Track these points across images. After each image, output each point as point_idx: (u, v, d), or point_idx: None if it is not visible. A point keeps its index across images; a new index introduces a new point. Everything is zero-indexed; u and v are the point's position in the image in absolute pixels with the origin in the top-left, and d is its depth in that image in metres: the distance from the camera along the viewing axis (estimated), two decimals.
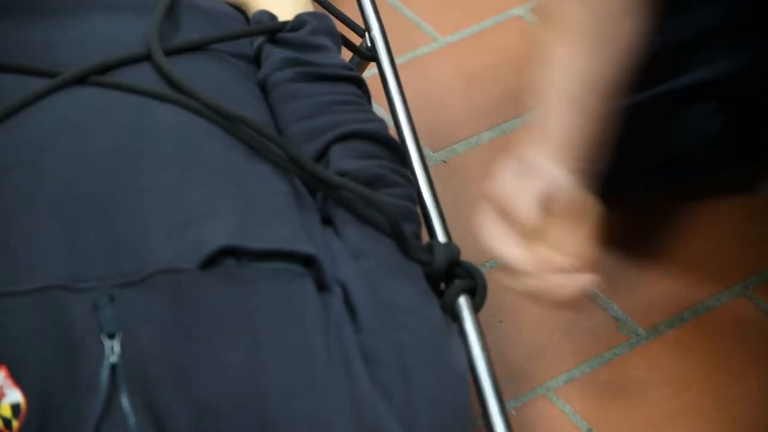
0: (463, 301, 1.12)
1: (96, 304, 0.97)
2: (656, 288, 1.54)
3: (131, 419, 0.93)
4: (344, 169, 1.18)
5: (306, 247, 1.05)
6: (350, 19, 1.49)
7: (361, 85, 1.30)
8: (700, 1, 1.48)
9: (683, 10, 1.47)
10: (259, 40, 1.32)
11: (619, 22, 1.26)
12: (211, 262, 1.01)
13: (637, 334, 1.49)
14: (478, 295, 1.13)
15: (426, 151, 1.37)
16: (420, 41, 1.81)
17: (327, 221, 1.15)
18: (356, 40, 1.47)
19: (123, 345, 0.96)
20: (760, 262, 1.57)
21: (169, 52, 1.22)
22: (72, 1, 1.30)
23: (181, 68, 1.19)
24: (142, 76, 1.19)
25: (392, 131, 1.34)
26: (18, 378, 0.94)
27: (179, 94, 1.16)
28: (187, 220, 1.05)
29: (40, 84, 1.15)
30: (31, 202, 1.06)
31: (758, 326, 1.51)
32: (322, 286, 1.05)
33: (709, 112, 1.54)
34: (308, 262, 1.04)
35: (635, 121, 1.50)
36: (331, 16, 1.41)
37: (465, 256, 1.17)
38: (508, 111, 1.75)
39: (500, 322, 1.50)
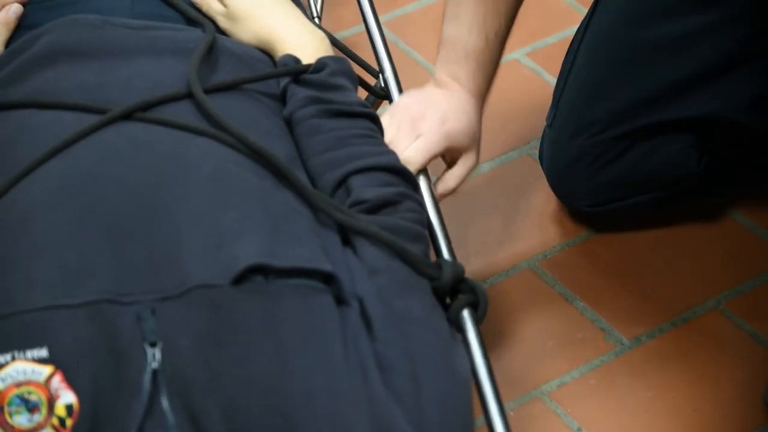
0: (466, 314, 1.12)
1: (139, 316, 0.97)
2: (639, 302, 1.55)
3: (170, 419, 0.94)
4: (364, 197, 1.17)
5: (326, 266, 1.04)
6: (366, 62, 1.50)
7: (375, 120, 1.29)
8: (679, 52, 1.51)
9: (666, 58, 1.52)
10: (285, 81, 1.30)
11: None
12: (241, 278, 1.00)
13: (622, 344, 1.49)
14: (480, 308, 1.13)
15: (433, 179, 1.37)
16: (428, 82, 1.82)
17: (346, 241, 1.13)
18: (371, 80, 1.47)
19: (163, 353, 0.96)
20: (732, 279, 1.58)
21: (207, 91, 1.21)
22: (119, 45, 1.29)
23: (217, 105, 1.19)
24: (181, 112, 1.18)
25: None
26: (71, 382, 0.94)
27: (214, 129, 1.15)
28: (221, 240, 1.04)
29: (92, 120, 1.14)
30: (82, 224, 1.05)
31: (730, 337, 1.51)
32: (340, 300, 1.04)
33: (686, 148, 1.56)
34: (328, 279, 1.04)
35: (620, 149, 1.56)
36: (349, 59, 1.40)
37: (468, 274, 1.16)
38: (506, 144, 1.75)
39: (500, 332, 1.49)
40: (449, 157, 1.38)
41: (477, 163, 1.41)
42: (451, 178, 1.39)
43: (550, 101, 1.62)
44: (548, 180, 1.64)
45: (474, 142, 1.40)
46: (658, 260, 1.61)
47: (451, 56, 1.38)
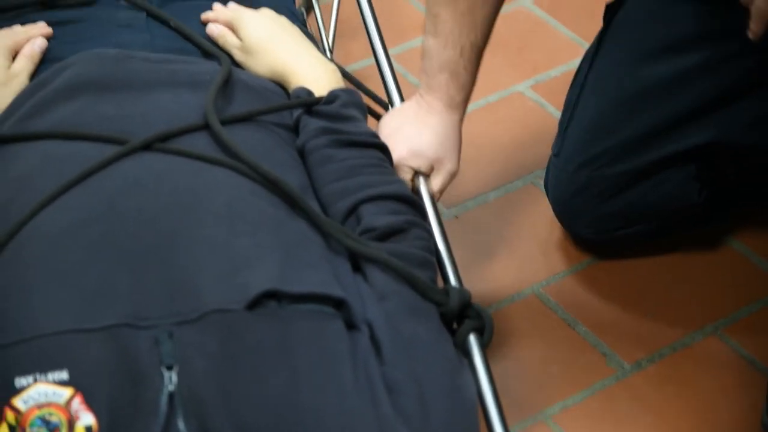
0: (473, 339, 1.12)
1: (157, 339, 0.98)
2: (639, 328, 1.55)
3: None
4: (374, 225, 1.18)
5: (337, 291, 1.05)
6: (375, 94, 1.51)
7: (384, 150, 1.30)
8: (682, 87, 1.52)
9: (670, 94, 1.54)
10: (298, 112, 1.31)
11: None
12: (256, 303, 1.01)
13: (623, 368, 1.49)
14: (486, 334, 1.13)
15: (440, 207, 1.38)
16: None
17: (357, 267, 1.14)
18: (381, 111, 1.47)
19: (180, 375, 0.96)
20: (729, 305, 1.58)
21: (223, 123, 1.21)
22: (139, 79, 1.30)
23: (233, 136, 1.19)
24: (198, 143, 1.19)
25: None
26: (91, 403, 0.94)
27: (230, 159, 1.16)
28: (236, 266, 1.04)
29: (112, 150, 1.15)
30: (101, 251, 1.05)
31: (727, 361, 1.52)
32: (351, 325, 1.04)
33: (688, 179, 1.57)
34: (339, 304, 1.04)
35: (625, 182, 1.57)
36: (359, 91, 1.41)
37: (474, 299, 1.16)
38: (511, 173, 1.75)
39: (504, 356, 1.50)
40: (425, 169, 1.40)
41: (456, 168, 1.43)
42: (432, 186, 1.40)
43: (554, 132, 1.63)
44: (553, 208, 1.65)
45: (446, 150, 1.41)
46: (659, 286, 1.61)
47: (428, 68, 1.39)
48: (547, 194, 1.66)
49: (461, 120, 1.42)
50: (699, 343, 1.53)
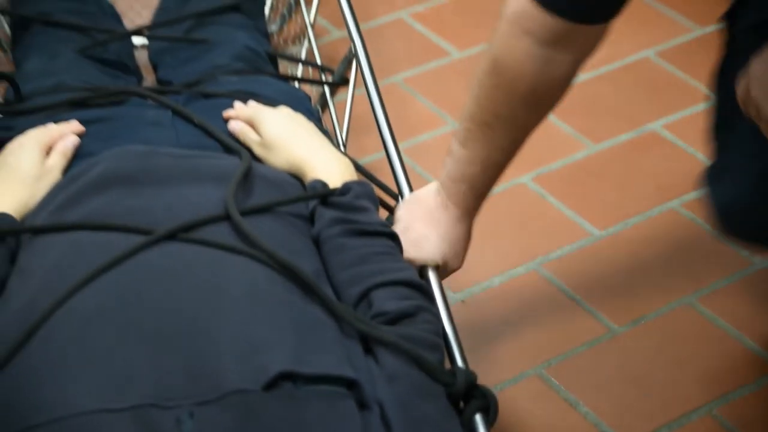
0: (478, 419, 1.12)
1: (179, 419, 0.98)
2: (638, 406, 1.56)
3: None
4: (384, 309, 1.18)
5: (349, 373, 1.05)
6: (386, 186, 1.51)
7: (395, 238, 1.31)
8: None
9: None
10: (313, 203, 1.32)
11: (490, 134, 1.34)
12: (272, 384, 1.01)
13: None
14: (491, 413, 1.13)
15: (447, 291, 1.39)
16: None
17: (368, 349, 1.13)
18: (391, 201, 1.48)
19: None
20: (723, 386, 1.59)
21: (243, 213, 1.22)
22: (165, 173, 1.31)
23: (252, 226, 1.20)
24: (219, 232, 1.19)
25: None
26: None
27: (249, 248, 1.17)
28: (254, 350, 1.05)
29: (137, 240, 1.16)
30: (128, 336, 1.06)
31: None
32: (362, 405, 1.04)
33: None
34: (351, 384, 1.04)
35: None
36: (371, 183, 1.42)
37: (479, 380, 1.16)
38: (514, 260, 1.77)
39: None
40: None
41: (459, 267, 1.44)
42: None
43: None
44: (720, 222, 1.48)
45: (453, 253, 1.41)
46: (658, 366, 1.61)
47: (451, 170, 1.38)
48: (711, 209, 1.48)
49: (472, 224, 1.43)
50: (695, 422, 1.56)
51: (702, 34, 2.25)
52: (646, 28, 2.25)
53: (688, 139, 1.99)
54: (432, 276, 1.35)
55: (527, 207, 1.88)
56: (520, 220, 1.85)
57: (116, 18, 1.83)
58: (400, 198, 1.46)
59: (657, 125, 2.04)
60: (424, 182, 1.45)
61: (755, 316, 1.68)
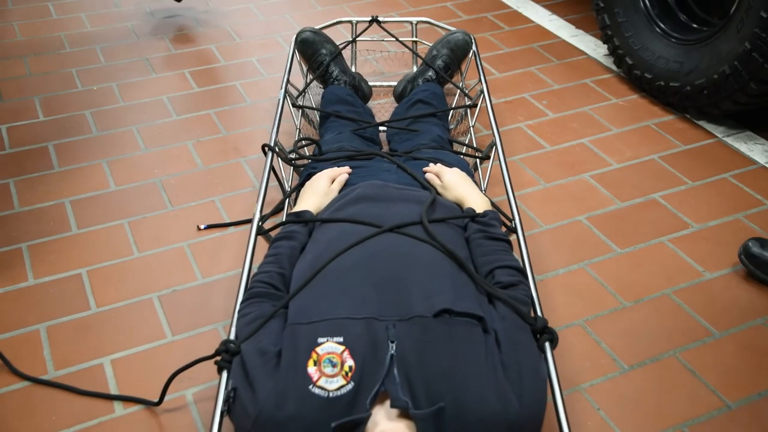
0: (547, 345, 1.09)
1: (387, 327, 1.00)
2: None
3: (397, 380, 0.96)
4: (501, 281, 1.17)
5: (479, 312, 1.05)
6: (506, 213, 1.43)
7: (509, 243, 1.27)
8: None
9: None
10: (467, 220, 1.30)
11: None
12: (438, 314, 1.02)
13: None
14: (554, 342, 1.10)
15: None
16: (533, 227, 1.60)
17: (490, 301, 1.12)
18: (508, 222, 1.40)
19: (397, 346, 0.98)
20: None
21: (430, 221, 1.22)
22: (390, 197, 1.30)
23: (434, 229, 1.20)
24: (417, 231, 1.19)
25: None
26: (353, 355, 0.97)
27: (432, 240, 1.17)
28: (429, 294, 1.05)
29: (374, 230, 1.17)
30: (365, 280, 1.07)
31: None
32: (485, 330, 1.04)
33: None
34: (480, 319, 1.04)
35: None
36: (498, 211, 1.39)
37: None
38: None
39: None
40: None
41: None
42: None
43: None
44: None
45: None
46: None
47: None
48: None
49: None
50: None
51: None
52: None
53: None
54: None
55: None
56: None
57: (372, 116, 1.83)
58: (513, 222, 1.41)
59: None
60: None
61: None
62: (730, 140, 1.81)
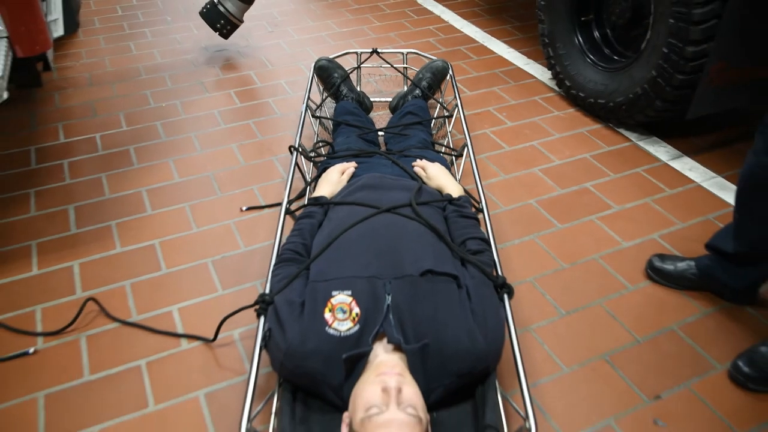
0: (506, 297, 1.08)
1: (385, 284, 1.00)
2: None
3: (392, 323, 0.96)
4: (472, 248, 1.16)
5: (455, 272, 1.04)
6: (474, 197, 1.38)
7: (478, 220, 1.24)
8: None
9: None
10: (446, 203, 1.27)
11: None
12: (423, 274, 1.01)
13: None
14: (511, 294, 1.09)
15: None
16: None
17: (463, 264, 1.11)
18: (476, 204, 1.35)
19: (392, 298, 0.98)
20: None
21: (417, 204, 1.20)
22: (387, 185, 1.27)
23: (421, 210, 1.18)
24: (407, 211, 1.17)
25: None
26: (359, 304, 0.97)
27: (419, 218, 1.15)
28: (417, 258, 1.05)
29: (372, 211, 1.16)
30: (367, 249, 1.06)
31: None
32: (459, 286, 1.03)
33: None
34: (455, 277, 1.04)
35: None
36: (470, 196, 1.34)
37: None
38: None
39: None
40: None
41: None
42: None
43: None
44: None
45: None
46: None
47: None
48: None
49: None
50: None
51: None
52: None
53: None
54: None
55: None
56: None
57: (373, 124, 1.75)
58: (480, 204, 1.37)
59: None
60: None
61: None
62: (641, 143, 1.83)
